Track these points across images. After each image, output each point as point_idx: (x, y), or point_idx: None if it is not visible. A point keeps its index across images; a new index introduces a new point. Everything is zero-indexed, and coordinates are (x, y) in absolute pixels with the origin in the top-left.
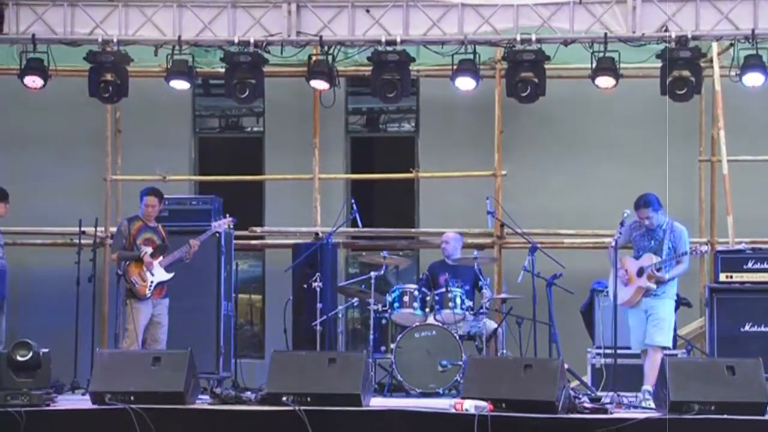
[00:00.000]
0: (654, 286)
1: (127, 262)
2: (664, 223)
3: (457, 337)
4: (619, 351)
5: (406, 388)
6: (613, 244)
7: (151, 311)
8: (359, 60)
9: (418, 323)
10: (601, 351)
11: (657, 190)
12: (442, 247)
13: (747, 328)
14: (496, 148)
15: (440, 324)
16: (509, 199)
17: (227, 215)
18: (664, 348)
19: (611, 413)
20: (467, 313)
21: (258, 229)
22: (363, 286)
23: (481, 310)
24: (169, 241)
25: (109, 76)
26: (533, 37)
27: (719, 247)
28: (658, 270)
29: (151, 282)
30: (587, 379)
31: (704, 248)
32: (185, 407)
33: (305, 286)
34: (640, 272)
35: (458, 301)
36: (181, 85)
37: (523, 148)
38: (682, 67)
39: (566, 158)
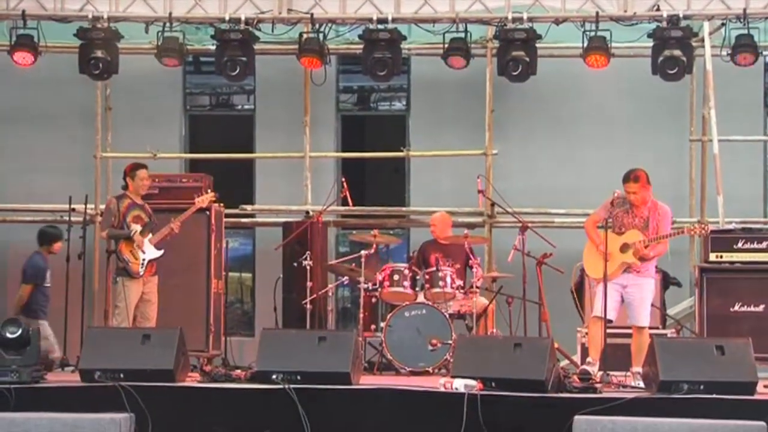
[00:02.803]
0: (638, 263)
1: (119, 241)
2: (649, 201)
3: (447, 316)
4: (609, 330)
5: (396, 366)
6: (602, 223)
7: (142, 289)
8: (350, 38)
9: (408, 302)
10: None
11: (647, 168)
12: (430, 230)
13: (737, 307)
14: (486, 127)
15: (430, 303)
16: (500, 178)
17: (209, 191)
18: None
19: (600, 392)
20: (457, 291)
21: (248, 207)
22: (353, 265)
23: (471, 289)
24: (156, 219)
25: (99, 53)
26: (525, 16)
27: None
28: (646, 247)
29: (143, 260)
30: (577, 358)
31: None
32: (175, 385)
33: (295, 264)
34: (624, 248)
35: (448, 279)
36: (171, 62)
37: (514, 127)
38: (673, 46)
39: (557, 137)
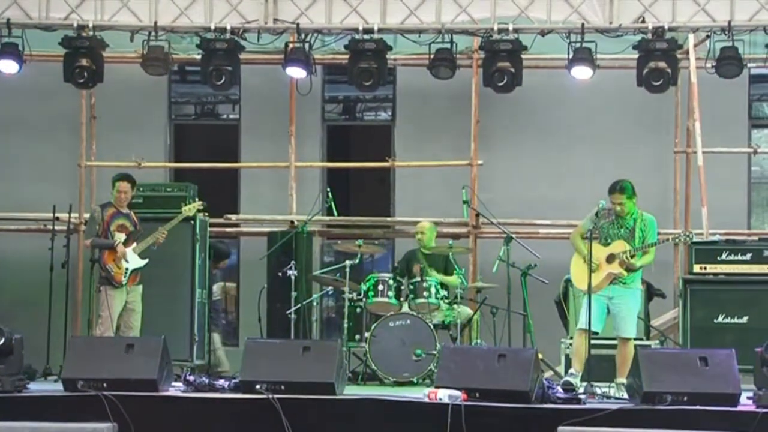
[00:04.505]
0: (625, 273)
1: (102, 250)
2: (634, 211)
3: (432, 327)
4: (593, 341)
5: (381, 376)
6: (587, 235)
7: (125, 298)
8: (336, 48)
9: (392, 312)
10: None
11: (632, 180)
12: (417, 238)
13: (720, 319)
14: (472, 138)
15: (415, 313)
16: (485, 188)
17: (196, 200)
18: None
19: (584, 403)
20: (442, 302)
21: (233, 217)
22: (338, 275)
23: (456, 300)
24: (141, 227)
25: (84, 62)
26: (510, 27)
27: (693, 239)
28: (632, 257)
29: (126, 269)
30: (561, 369)
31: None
32: (158, 394)
33: (280, 274)
34: (610, 259)
35: (433, 290)
36: (156, 71)
37: (499, 138)
38: (658, 58)
39: (542, 148)
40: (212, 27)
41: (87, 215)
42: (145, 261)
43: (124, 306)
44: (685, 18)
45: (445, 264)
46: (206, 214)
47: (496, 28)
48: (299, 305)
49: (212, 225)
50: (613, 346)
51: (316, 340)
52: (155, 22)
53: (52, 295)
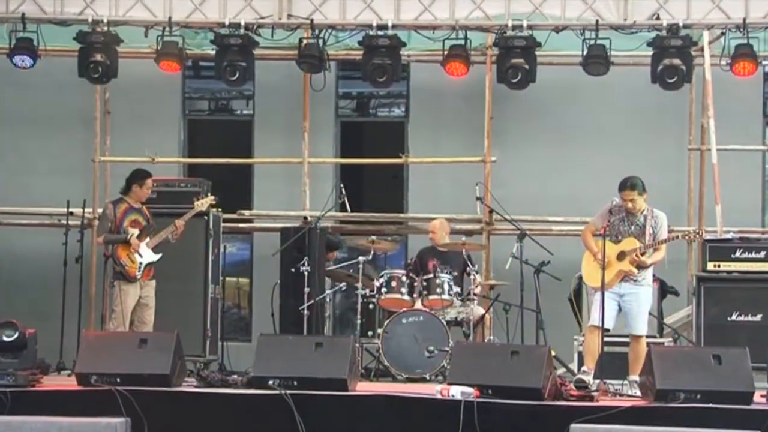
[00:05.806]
0: (636, 271)
1: (115, 245)
2: (645, 208)
3: (445, 323)
4: (606, 338)
5: (393, 373)
6: (601, 231)
7: (139, 293)
8: (350, 44)
9: (405, 309)
10: None
11: (646, 177)
12: (429, 236)
13: (734, 317)
14: (485, 134)
15: (428, 310)
16: (498, 185)
17: (209, 194)
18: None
19: (597, 401)
20: (455, 299)
21: (246, 213)
22: (351, 271)
23: (469, 297)
24: (154, 222)
25: (98, 57)
26: (524, 24)
27: (707, 236)
28: (642, 254)
29: (140, 263)
30: (574, 366)
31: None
32: (171, 389)
33: (293, 269)
34: (621, 256)
35: (446, 287)
36: (171, 66)
37: (512, 135)
38: (672, 55)
39: (556, 145)
40: (226, 22)
41: (101, 210)
42: (159, 255)
43: (138, 301)
44: (700, 15)
45: (464, 263)
46: (219, 209)
47: (510, 24)
48: (312, 301)
49: (225, 220)
50: (626, 344)
51: (329, 336)
52: (169, 18)
53: (65, 290)
